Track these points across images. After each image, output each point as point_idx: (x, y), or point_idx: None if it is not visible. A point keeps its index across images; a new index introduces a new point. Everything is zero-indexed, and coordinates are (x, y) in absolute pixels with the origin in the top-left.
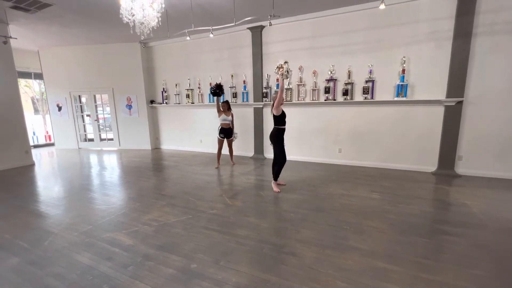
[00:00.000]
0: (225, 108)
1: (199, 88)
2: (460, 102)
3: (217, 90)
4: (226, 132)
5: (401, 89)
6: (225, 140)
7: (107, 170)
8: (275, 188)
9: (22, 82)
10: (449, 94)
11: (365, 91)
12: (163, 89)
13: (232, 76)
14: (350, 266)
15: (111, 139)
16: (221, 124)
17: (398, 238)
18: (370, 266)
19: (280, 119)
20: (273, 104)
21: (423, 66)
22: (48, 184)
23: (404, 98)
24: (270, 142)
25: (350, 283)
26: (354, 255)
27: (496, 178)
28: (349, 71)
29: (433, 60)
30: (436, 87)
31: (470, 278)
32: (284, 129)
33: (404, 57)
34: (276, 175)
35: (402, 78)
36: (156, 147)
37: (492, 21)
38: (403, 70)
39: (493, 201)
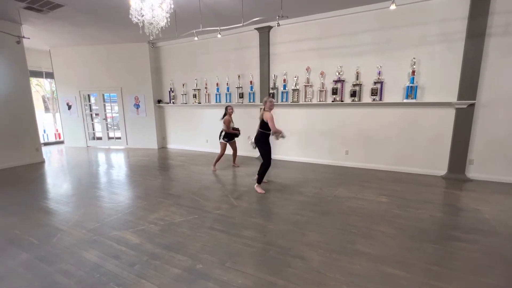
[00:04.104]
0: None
1: (206, 88)
2: (472, 105)
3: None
4: (230, 136)
5: (411, 91)
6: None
7: (115, 168)
8: (259, 190)
9: (33, 81)
10: (460, 97)
11: (374, 92)
12: (171, 89)
13: (239, 76)
14: (358, 271)
15: (119, 138)
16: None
17: (407, 244)
18: (379, 271)
19: (265, 124)
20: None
21: (434, 68)
22: (58, 181)
23: (413, 100)
24: (254, 146)
25: None
26: (362, 260)
27: (510, 183)
28: (357, 72)
29: (444, 62)
30: (447, 89)
31: (482, 286)
32: (268, 134)
33: (414, 58)
34: (260, 177)
35: (412, 80)
36: (162, 147)
37: (506, 21)
38: (413, 72)
39: (506, 207)
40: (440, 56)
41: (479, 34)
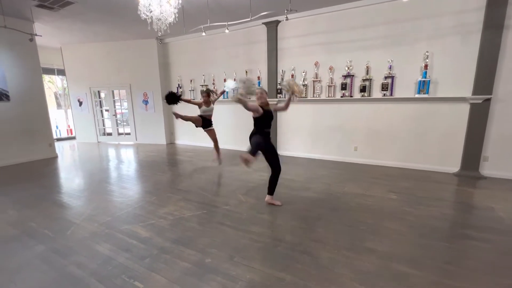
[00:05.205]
0: (206, 99)
1: (213, 84)
2: (488, 100)
3: (170, 98)
4: (205, 121)
5: (423, 86)
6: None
7: (125, 163)
8: (272, 201)
9: (46, 78)
10: (475, 91)
11: (384, 87)
12: (178, 85)
13: (246, 72)
14: (368, 268)
15: (128, 134)
16: (202, 115)
17: (418, 241)
18: (389, 269)
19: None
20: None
21: (448, 62)
22: (70, 176)
23: (426, 95)
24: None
25: (368, 286)
26: (372, 257)
27: None
28: (367, 67)
29: (459, 55)
30: (461, 84)
31: (498, 287)
32: (263, 132)
33: (427, 52)
34: (269, 188)
35: (424, 74)
36: (171, 142)
37: None
38: (426, 66)
39: None
40: (454, 49)
41: (496, 25)
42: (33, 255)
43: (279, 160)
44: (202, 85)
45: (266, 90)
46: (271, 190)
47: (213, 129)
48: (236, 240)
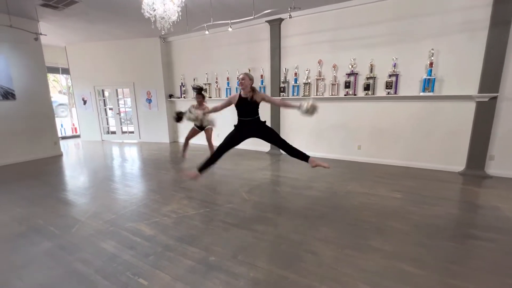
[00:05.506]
0: (200, 100)
1: (216, 82)
2: (494, 98)
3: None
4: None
5: (428, 84)
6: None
7: (129, 162)
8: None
9: (50, 77)
10: (482, 89)
11: (388, 85)
12: (181, 83)
13: (249, 70)
14: (371, 267)
15: (132, 132)
16: None
17: (423, 241)
18: (393, 268)
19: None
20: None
21: (454, 59)
22: (75, 173)
23: (431, 93)
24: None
25: (371, 285)
26: (375, 256)
27: None
28: (371, 65)
29: (465, 53)
30: (467, 82)
31: (503, 287)
32: (239, 123)
33: (432, 49)
34: (300, 158)
35: (430, 72)
36: (174, 141)
37: None
38: (431, 64)
39: None
40: (460, 46)
41: (504, 22)
42: (39, 252)
43: (279, 138)
44: (205, 84)
45: (269, 89)
46: (302, 158)
47: (210, 128)
48: (240, 238)
